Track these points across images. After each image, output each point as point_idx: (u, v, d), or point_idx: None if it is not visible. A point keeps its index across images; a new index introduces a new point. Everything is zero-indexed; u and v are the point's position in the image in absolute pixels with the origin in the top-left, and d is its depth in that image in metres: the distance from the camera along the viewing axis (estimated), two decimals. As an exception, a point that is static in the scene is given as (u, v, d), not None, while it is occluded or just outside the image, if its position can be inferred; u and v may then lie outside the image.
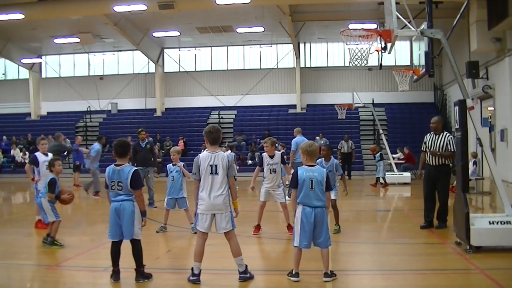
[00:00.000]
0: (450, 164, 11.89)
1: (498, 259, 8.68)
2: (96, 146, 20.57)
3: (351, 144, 28.37)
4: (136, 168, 7.73)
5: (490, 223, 9.07)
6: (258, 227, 11.28)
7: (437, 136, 11.68)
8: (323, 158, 10.82)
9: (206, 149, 7.66)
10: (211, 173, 7.47)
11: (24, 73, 42.44)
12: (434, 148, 11.57)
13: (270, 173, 11.32)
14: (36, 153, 12.62)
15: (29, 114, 42.21)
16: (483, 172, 20.96)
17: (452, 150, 11.32)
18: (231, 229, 7.57)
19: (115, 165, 7.62)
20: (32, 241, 11.29)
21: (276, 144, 12.37)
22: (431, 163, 11.66)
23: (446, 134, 11.71)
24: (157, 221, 12.48)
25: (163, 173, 14.89)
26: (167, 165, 12.34)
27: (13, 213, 17.59)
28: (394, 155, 25.06)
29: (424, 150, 11.98)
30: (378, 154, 23.00)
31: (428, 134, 11.95)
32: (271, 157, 11.39)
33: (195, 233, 8.07)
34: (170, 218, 11.90)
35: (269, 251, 10.29)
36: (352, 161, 28.61)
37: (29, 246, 10.82)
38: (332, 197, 10.77)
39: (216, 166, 7.47)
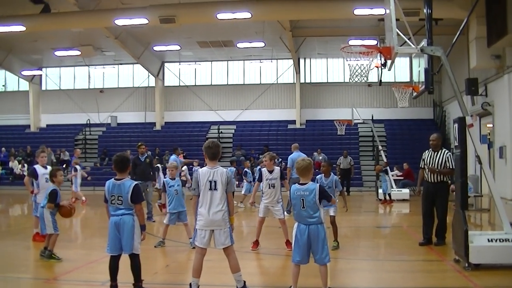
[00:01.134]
0: (449, 181, 11.88)
1: (497, 276, 8.67)
2: (175, 157, 20.15)
3: (350, 160, 28.38)
4: (136, 182, 7.72)
5: (489, 240, 9.06)
6: (256, 243, 11.24)
7: (435, 153, 11.70)
8: (323, 174, 10.80)
9: (206, 165, 7.66)
10: (210, 188, 7.46)
11: (24, 85, 42.49)
12: (433, 165, 11.58)
13: (269, 188, 11.25)
14: (35, 166, 12.61)
15: (28, 126, 42.19)
16: (482, 189, 20.93)
17: (451, 167, 11.34)
18: (230, 244, 7.55)
19: (115, 179, 7.59)
20: (30, 254, 11.27)
21: (276, 159, 12.30)
22: (429, 180, 11.66)
23: (445, 151, 11.72)
24: (156, 235, 12.47)
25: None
26: (165, 180, 12.26)
27: (11, 225, 17.58)
28: (391, 173, 25.06)
29: (422, 167, 11.98)
30: (384, 170, 23.02)
31: (427, 151, 11.97)
32: (270, 172, 11.34)
33: (194, 248, 8.06)
34: (168, 233, 11.86)
35: (267, 267, 10.26)
36: (351, 177, 28.60)
37: (27, 259, 10.79)
38: (331, 213, 10.77)
39: (215, 182, 7.46)
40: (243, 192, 21.44)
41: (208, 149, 7.62)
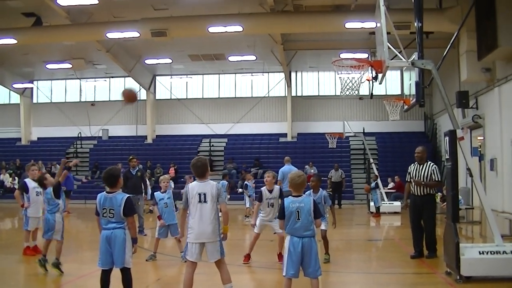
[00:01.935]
0: (438, 194, 11.95)
1: (489, 289, 8.69)
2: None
3: (342, 173, 28.40)
4: (128, 195, 7.69)
5: (480, 253, 9.07)
6: (248, 257, 11.18)
7: (421, 166, 11.77)
8: (312, 190, 10.73)
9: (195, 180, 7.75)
10: (200, 201, 7.50)
11: (15, 98, 42.39)
12: (419, 178, 11.63)
13: (268, 206, 11.09)
14: (26, 179, 12.56)
15: (19, 139, 42.06)
16: (473, 201, 20.99)
17: (437, 179, 11.50)
18: (221, 257, 7.56)
19: (107, 192, 7.56)
20: (21, 268, 11.19)
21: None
22: (416, 193, 11.70)
23: (430, 163, 11.82)
24: (147, 249, 12.43)
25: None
26: (155, 193, 12.18)
27: (1, 239, 17.47)
28: (389, 186, 25.08)
29: (408, 180, 12.03)
30: (374, 183, 23.06)
31: (412, 165, 12.03)
32: (270, 191, 11.12)
33: (185, 261, 8.04)
34: (159, 247, 11.83)
35: (260, 281, 10.23)
36: (343, 190, 28.62)
37: (17, 273, 10.72)
38: (323, 227, 10.73)
39: (205, 194, 7.51)
40: (247, 206, 21.37)
41: (194, 168, 7.70)
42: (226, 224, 7.68)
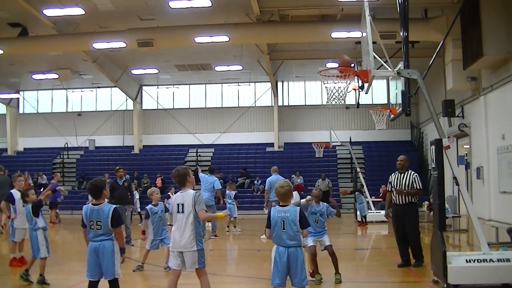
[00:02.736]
0: (425, 202, 11.96)
1: (476, 297, 8.72)
2: (213, 178, 19.11)
3: (328, 182, 28.45)
4: (115, 206, 7.68)
5: (467, 261, 9.11)
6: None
7: (402, 175, 11.80)
8: (313, 201, 10.63)
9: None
10: (178, 211, 7.67)
11: (1, 109, 42.17)
12: (400, 186, 11.65)
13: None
14: (12, 190, 12.46)
15: (5, 150, 41.80)
16: (460, 210, 21.06)
17: (418, 187, 11.53)
18: (200, 267, 7.62)
19: (93, 204, 7.53)
20: (7, 279, 11.09)
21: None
22: (397, 202, 11.73)
23: (411, 172, 11.85)
24: (134, 259, 12.39)
25: (142, 210, 14.70)
26: (148, 207, 11.82)
27: None
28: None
29: (389, 190, 12.06)
30: (357, 192, 23.14)
31: (393, 174, 12.07)
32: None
33: (169, 270, 8.07)
34: (148, 257, 11.77)
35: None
36: (330, 199, 28.56)
37: (4, 285, 10.63)
38: (327, 243, 10.49)
39: (182, 205, 7.66)
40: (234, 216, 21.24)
41: (174, 178, 7.90)
42: (215, 218, 7.77)
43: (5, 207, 12.48)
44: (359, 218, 22.86)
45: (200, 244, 7.64)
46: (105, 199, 7.68)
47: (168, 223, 11.73)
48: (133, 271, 11.40)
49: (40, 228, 10.16)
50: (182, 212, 7.62)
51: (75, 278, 10.64)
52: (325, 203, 10.91)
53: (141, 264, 11.60)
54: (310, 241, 10.35)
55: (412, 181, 11.57)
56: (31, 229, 10.29)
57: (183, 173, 7.84)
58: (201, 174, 19.08)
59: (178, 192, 7.84)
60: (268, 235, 7.50)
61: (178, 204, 7.67)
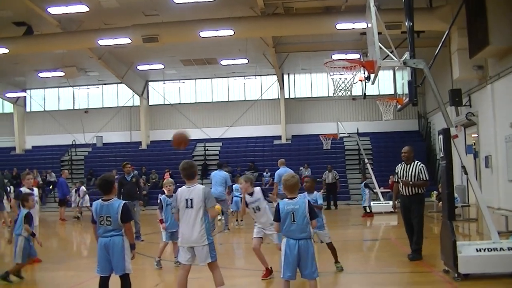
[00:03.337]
0: (434, 192, 11.89)
1: (487, 286, 8.70)
2: (225, 173, 19.27)
3: (335, 174, 28.36)
4: (125, 201, 7.69)
5: (477, 250, 9.09)
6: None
7: (408, 166, 11.62)
8: (306, 192, 10.42)
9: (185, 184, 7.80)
10: (187, 207, 7.60)
11: (9, 107, 42.36)
12: (406, 177, 11.50)
13: (255, 212, 10.24)
14: (21, 188, 12.51)
15: (13, 148, 41.99)
16: (469, 199, 21.03)
17: (424, 178, 11.34)
18: (212, 261, 7.62)
19: (103, 200, 7.53)
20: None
21: (251, 181, 11.03)
22: (404, 193, 11.58)
23: (418, 163, 11.66)
24: (144, 254, 12.40)
25: (150, 206, 14.69)
26: (162, 197, 11.82)
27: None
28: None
29: (396, 181, 11.97)
30: (363, 184, 23.12)
31: (400, 164, 11.88)
32: (250, 194, 10.27)
33: (179, 265, 8.06)
34: (156, 252, 11.75)
35: (256, 284, 10.18)
36: (337, 191, 28.60)
37: (16, 281, 10.61)
38: (327, 241, 10.39)
39: (191, 199, 7.59)
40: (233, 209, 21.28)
41: (182, 170, 7.83)
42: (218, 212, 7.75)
43: (15, 205, 12.50)
44: (367, 210, 22.82)
45: (210, 237, 7.64)
46: (115, 195, 7.68)
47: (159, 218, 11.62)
48: (156, 267, 11.30)
49: (23, 236, 10.27)
50: (191, 207, 7.56)
51: (85, 275, 10.65)
52: (318, 193, 10.56)
53: (159, 259, 11.49)
54: (326, 238, 10.35)
55: (418, 172, 11.41)
56: (16, 234, 10.44)
57: (193, 165, 7.86)
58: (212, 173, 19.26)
59: (184, 187, 7.76)
60: (278, 229, 7.50)
61: (186, 199, 7.60)
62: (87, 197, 26.96)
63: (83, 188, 27.36)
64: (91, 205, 7.82)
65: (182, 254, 7.69)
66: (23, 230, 10.32)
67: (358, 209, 24.42)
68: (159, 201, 12.04)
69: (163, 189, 12.21)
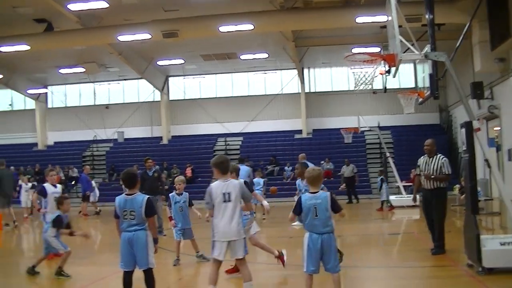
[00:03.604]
0: (457, 186, 11.78)
1: (511, 280, 8.63)
2: (246, 167, 19.42)
3: (353, 168, 28.26)
4: (148, 196, 7.71)
5: (501, 244, 9.03)
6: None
7: (430, 159, 11.47)
8: (300, 178, 10.31)
9: (218, 179, 7.75)
10: (224, 201, 7.58)
11: (31, 104, 42.66)
12: (428, 171, 11.36)
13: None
14: (45, 184, 12.62)
15: (36, 144, 42.36)
16: (492, 192, 20.87)
17: (447, 172, 11.18)
18: (244, 255, 7.69)
19: (126, 194, 7.57)
20: (43, 271, 11.17)
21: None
22: (426, 187, 11.45)
23: (440, 156, 11.50)
24: (167, 249, 12.45)
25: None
26: (171, 194, 11.89)
27: (21, 243, 17.59)
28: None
29: (418, 173, 11.85)
30: (379, 178, 23.05)
31: (422, 157, 11.74)
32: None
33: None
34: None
35: (281, 277, 10.18)
36: (355, 185, 28.48)
37: (40, 276, 10.70)
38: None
39: (229, 193, 7.58)
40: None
41: (220, 164, 7.77)
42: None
43: (35, 200, 12.62)
44: (386, 204, 22.73)
45: (243, 233, 7.76)
46: (138, 190, 7.71)
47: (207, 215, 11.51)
48: (174, 265, 11.22)
49: (48, 233, 10.41)
50: (229, 200, 7.57)
51: (108, 269, 10.72)
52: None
53: (177, 258, 11.51)
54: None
55: (441, 166, 11.24)
56: (44, 231, 10.61)
57: (226, 160, 7.89)
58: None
59: (217, 181, 7.71)
60: (292, 218, 7.54)
61: (224, 193, 7.57)
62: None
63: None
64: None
65: (217, 248, 7.63)
66: (50, 230, 10.39)
67: (379, 203, 24.31)
68: (168, 199, 12.08)
69: (174, 186, 12.21)
